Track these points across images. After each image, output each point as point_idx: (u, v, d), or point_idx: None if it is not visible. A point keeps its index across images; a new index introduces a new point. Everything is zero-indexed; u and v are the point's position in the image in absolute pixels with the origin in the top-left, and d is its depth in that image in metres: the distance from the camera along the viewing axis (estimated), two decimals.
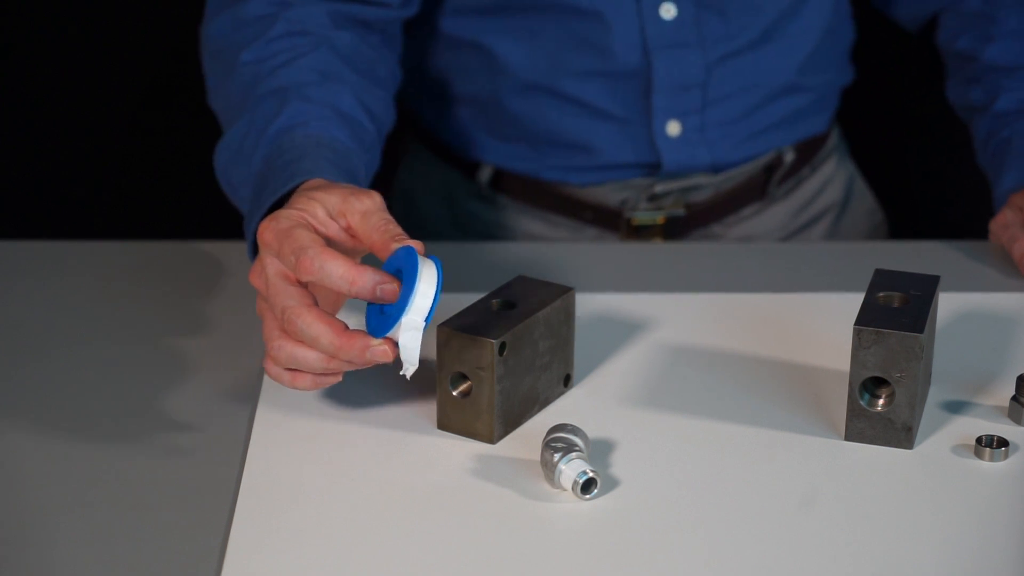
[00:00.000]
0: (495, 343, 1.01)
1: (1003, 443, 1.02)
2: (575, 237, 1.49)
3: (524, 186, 1.48)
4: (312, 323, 0.98)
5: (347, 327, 0.98)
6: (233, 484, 0.99)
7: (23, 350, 1.17)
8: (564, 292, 1.07)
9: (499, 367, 1.02)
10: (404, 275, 0.98)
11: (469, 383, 1.03)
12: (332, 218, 1.03)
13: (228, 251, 1.33)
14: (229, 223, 1.95)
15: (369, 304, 1.00)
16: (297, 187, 1.08)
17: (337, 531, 0.95)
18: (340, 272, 0.98)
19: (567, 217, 1.48)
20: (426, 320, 0.98)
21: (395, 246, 0.99)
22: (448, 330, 1.02)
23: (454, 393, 1.04)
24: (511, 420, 1.05)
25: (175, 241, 1.35)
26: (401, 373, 0.99)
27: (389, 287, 0.98)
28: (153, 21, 1.89)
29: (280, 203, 1.09)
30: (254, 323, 1.19)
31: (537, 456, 1.01)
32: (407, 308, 0.97)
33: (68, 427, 1.06)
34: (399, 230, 1.01)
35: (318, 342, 0.98)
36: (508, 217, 1.50)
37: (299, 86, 1.19)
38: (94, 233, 1.85)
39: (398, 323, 0.97)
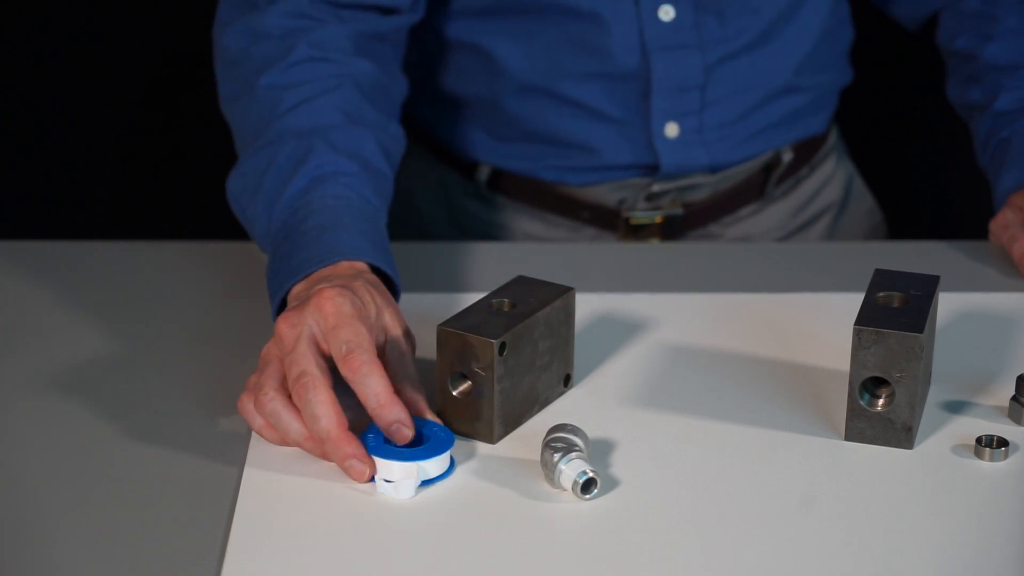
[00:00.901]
0: (495, 343, 1.01)
1: (1003, 443, 1.02)
2: (573, 237, 1.49)
3: (522, 186, 1.48)
4: (322, 403, 0.98)
5: (347, 426, 0.99)
6: (233, 484, 0.99)
7: (23, 350, 1.17)
8: (564, 292, 1.07)
9: (499, 367, 1.02)
10: (430, 433, 1.01)
11: (469, 383, 1.03)
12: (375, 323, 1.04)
13: (228, 251, 1.33)
14: (229, 223, 1.95)
15: (373, 429, 1.01)
16: (337, 263, 1.10)
17: (337, 531, 0.95)
18: (377, 391, 0.99)
19: (565, 217, 1.48)
20: (422, 484, 0.99)
21: (380, 413, 0.99)
22: (448, 330, 1.02)
23: (454, 393, 1.04)
24: (511, 420, 1.05)
25: (175, 241, 1.35)
26: (380, 491, 0.99)
27: (403, 433, 0.99)
28: (153, 21, 1.89)
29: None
30: (254, 323, 1.19)
31: (537, 456, 1.01)
32: (419, 461, 0.98)
33: (68, 427, 1.06)
34: (387, 400, 1.00)
35: (315, 422, 0.98)
36: (506, 217, 1.50)
37: (324, 130, 1.19)
38: (94, 233, 1.85)
39: (401, 464, 0.98)
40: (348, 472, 0.98)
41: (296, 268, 1.10)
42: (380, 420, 0.99)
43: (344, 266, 1.09)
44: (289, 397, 1.00)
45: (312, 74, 1.23)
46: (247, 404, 1.02)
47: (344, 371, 0.99)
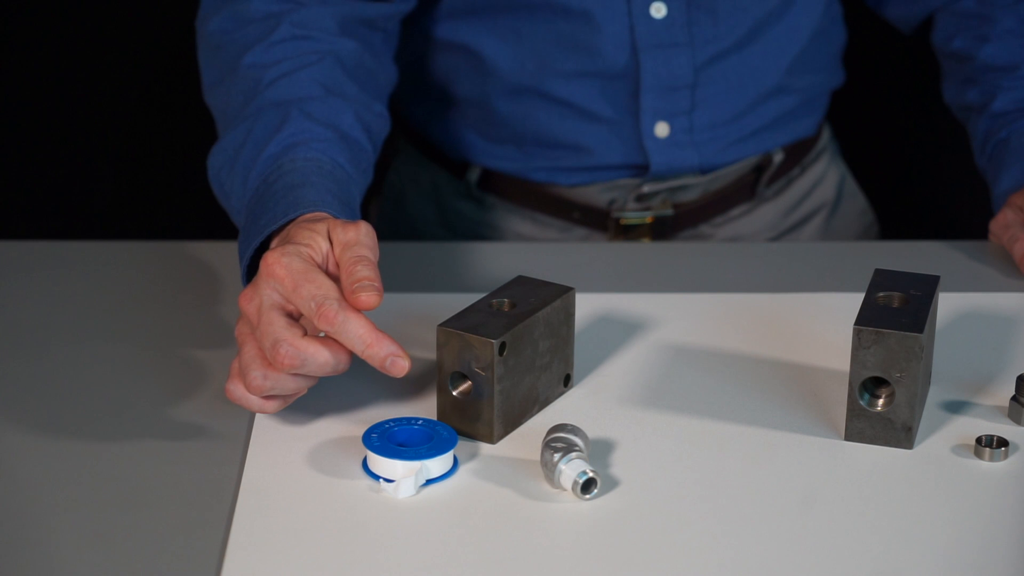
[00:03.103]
0: (495, 343, 1.01)
1: (1003, 443, 1.02)
2: (563, 237, 1.49)
3: (512, 186, 1.48)
4: (308, 347, 0.98)
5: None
6: (233, 484, 0.99)
7: (23, 350, 1.17)
8: (564, 292, 1.07)
9: (499, 367, 1.02)
10: (433, 432, 1.01)
11: (469, 383, 1.03)
12: (331, 250, 1.03)
13: (228, 251, 1.33)
14: (229, 223, 1.95)
15: (377, 429, 1.01)
16: (297, 217, 1.08)
17: (337, 531, 0.95)
18: (360, 332, 0.98)
19: (555, 217, 1.48)
20: (426, 483, 0.99)
21: (360, 297, 0.99)
22: (448, 330, 1.02)
23: (454, 393, 1.04)
24: (511, 420, 1.05)
25: (175, 241, 1.35)
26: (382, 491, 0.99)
27: (401, 363, 0.98)
28: (154, 21, 1.89)
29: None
30: None
31: (537, 456, 1.01)
32: (422, 460, 0.98)
33: (68, 427, 1.06)
34: (365, 273, 1.00)
35: (318, 357, 0.98)
36: (497, 217, 1.50)
37: (301, 100, 1.19)
38: (94, 233, 1.85)
39: (404, 463, 0.98)
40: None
41: (261, 228, 1.09)
42: (373, 360, 0.98)
43: (306, 218, 1.07)
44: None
45: (294, 51, 1.23)
46: (237, 389, 1.01)
47: (321, 326, 0.98)
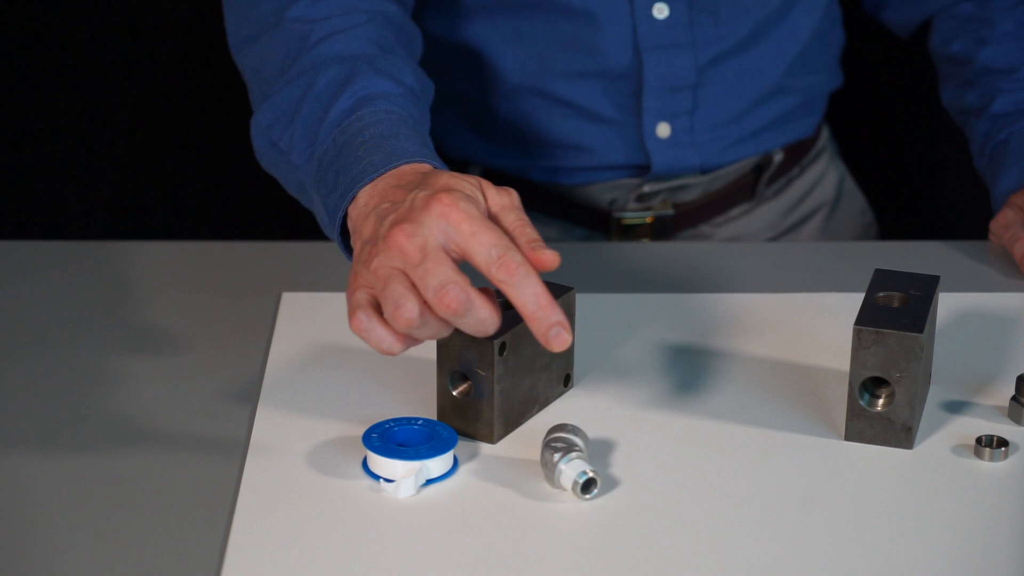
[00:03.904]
0: (495, 343, 1.01)
1: (1003, 443, 1.02)
2: (564, 237, 1.49)
3: (512, 186, 1.48)
4: (476, 296, 0.94)
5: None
6: (233, 484, 0.99)
7: (22, 350, 1.17)
8: (564, 292, 1.07)
9: (499, 367, 1.02)
10: (433, 432, 1.01)
11: (469, 383, 1.03)
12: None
13: (228, 251, 1.33)
14: (229, 223, 1.95)
15: (377, 429, 1.01)
16: (399, 166, 1.04)
17: (337, 531, 0.95)
18: (537, 290, 0.94)
19: (556, 217, 1.48)
20: (426, 483, 0.99)
21: (544, 255, 0.96)
22: None
23: (454, 393, 1.04)
24: (511, 420, 1.05)
25: (175, 241, 1.35)
26: (382, 491, 0.99)
27: (565, 336, 0.95)
28: (156, 21, 1.89)
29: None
30: (255, 323, 1.19)
31: (537, 456, 1.01)
32: (423, 459, 0.98)
33: (68, 427, 1.06)
34: (535, 235, 0.98)
35: (481, 311, 0.94)
36: None
37: (367, 58, 1.15)
38: (94, 233, 1.85)
39: (404, 463, 0.98)
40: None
41: (360, 174, 1.04)
42: (540, 323, 0.95)
43: (407, 168, 1.04)
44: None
45: (339, 8, 1.20)
46: (371, 322, 0.96)
47: (498, 275, 0.95)
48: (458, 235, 0.96)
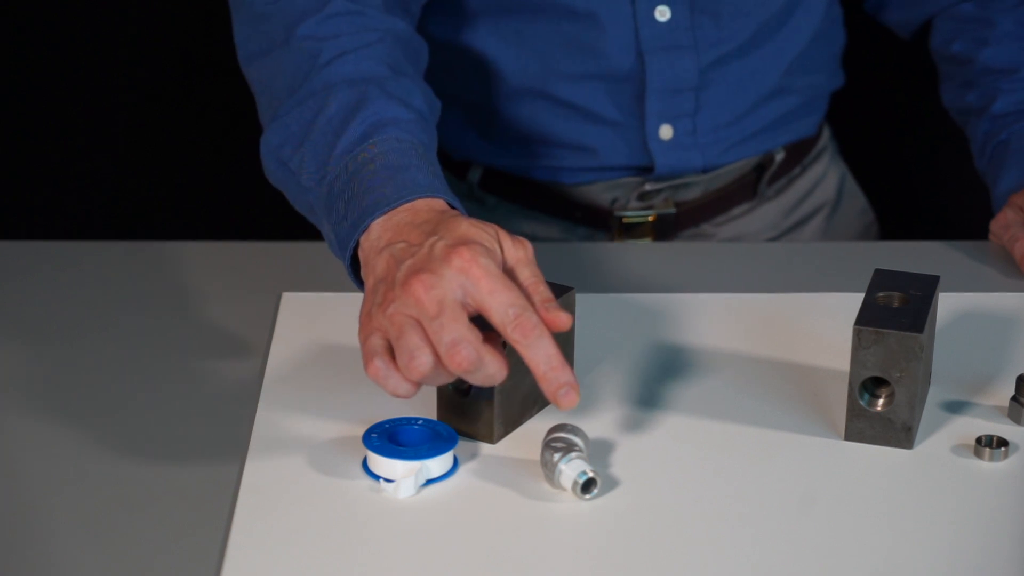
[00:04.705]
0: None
1: (1003, 443, 1.02)
2: (566, 236, 1.49)
3: (514, 186, 1.48)
4: (486, 354, 0.96)
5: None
6: (233, 484, 0.99)
7: (23, 350, 1.17)
8: (564, 292, 1.07)
9: None
10: (432, 432, 1.01)
11: (469, 383, 1.03)
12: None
13: (228, 251, 1.33)
14: (229, 223, 1.95)
15: (377, 429, 1.01)
16: (412, 200, 1.05)
17: (337, 531, 0.95)
18: (551, 352, 0.96)
19: (558, 217, 1.48)
20: (426, 483, 0.99)
21: (559, 317, 0.98)
22: None
23: (454, 393, 1.04)
24: (511, 420, 1.05)
25: (175, 241, 1.35)
26: (382, 491, 0.99)
27: (573, 396, 0.97)
28: (154, 21, 1.89)
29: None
30: (254, 323, 1.19)
31: (537, 456, 1.01)
32: (423, 459, 0.98)
33: (68, 427, 1.06)
34: (549, 294, 0.99)
35: (489, 367, 0.96)
36: (498, 217, 1.50)
37: (377, 79, 1.16)
38: (94, 233, 1.85)
39: (404, 463, 0.98)
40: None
41: (372, 206, 1.05)
42: (550, 384, 0.96)
43: (422, 204, 1.05)
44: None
45: (350, 26, 1.20)
46: (387, 370, 0.97)
47: (514, 335, 0.96)
48: (477, 292, 0.97)
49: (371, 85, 1.15)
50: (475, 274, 0.97)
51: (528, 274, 1.01)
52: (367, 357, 0.98)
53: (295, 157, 1.14)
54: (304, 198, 1.14)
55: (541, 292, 1.00)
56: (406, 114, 1.13)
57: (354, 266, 1.07)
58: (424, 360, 0.96)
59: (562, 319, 0.99)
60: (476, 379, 0.97)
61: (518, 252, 1.01)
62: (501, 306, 0.97)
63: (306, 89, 1.16)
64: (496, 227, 1.02)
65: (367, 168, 1.08)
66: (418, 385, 0.98)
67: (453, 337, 0.95)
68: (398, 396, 0.98)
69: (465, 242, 0.99)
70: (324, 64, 1.17)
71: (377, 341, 0.98)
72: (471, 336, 0.96)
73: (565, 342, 1.08)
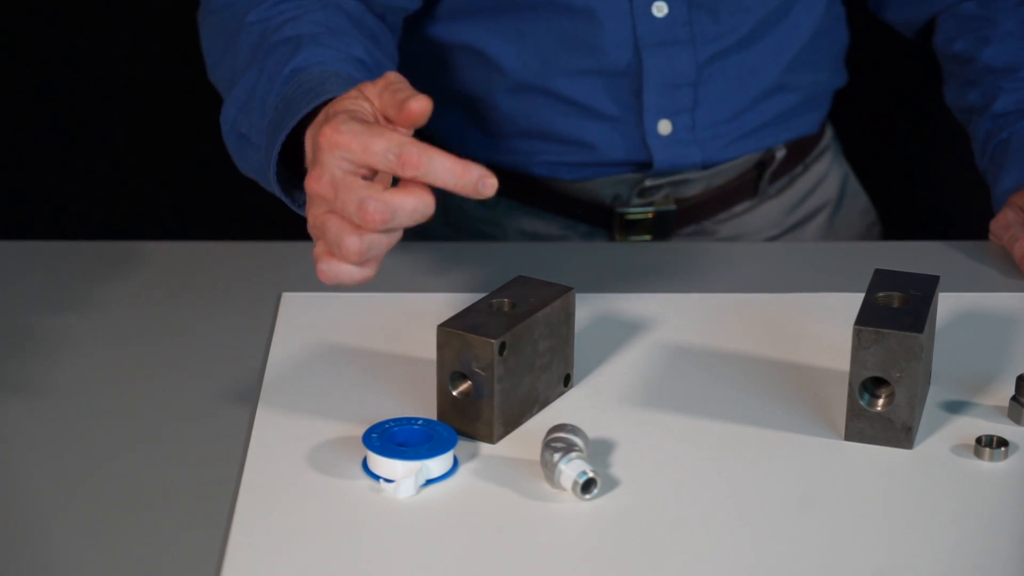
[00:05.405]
0: (495, 343, 1.01)
1: (1003, 443, 1.02)
2: (567, 233, 1.49)
3: (515, 183, 1.48)
4: (394, 198, 0.95)
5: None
6: (233, 484, 0.99)
7: (22, 350, 1.17)
8: (564, 292, 1.07)
9: (499, 367, 1.02)
10: (432, 432, 1.01)
11: (469, 383, 1.03)
12: (375, 108, 1.01)
13: (228, 251, 1.33)
14: (229, 223, 1.95)
15: (377, 429, 1.01)
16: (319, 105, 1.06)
17: (337, 531, 0.95)
18: (448, 165, 0.95)
19: (558, 214, 1.49)
20: (426, 483, 0.99)
21: (411, 105, 0.98)
22: (448, 330, 1.02)
23: (454, 393, 1.04)
24: (511, 420, 1.05)
25: (175, 241, 1.35)
26: (382, 491, 0.99)
27: (491, 182, 0.96)
28: (154, 20, 1.89)
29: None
30: (254, 323, 1.19)
31: (537, 456, 1.01)
32: (423, 459, 0.98)
33: (68, 427, 1.06)
34: (400, 86, 0.99)
35: (405, 205, 0.95)
36: (499, 214, 1.50)
37: (312, 36, 1.17)
38: (94, 233, 1.85)
39: (404, 463, 0.98)
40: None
41: (278, 129, 1.08)
42: (465, 188, 0.96)
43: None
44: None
45: (297, 6, 1.22)
46: (331, 266, 0.98)
47: (406, 173, 0.96)
48: (354, 156, 0.97)
49: (303, 39, 1.17)
50: (343, 142, 0.97)
51: (387, 92, 1.00)
52: (317, 270, 0.99)
53: (246, 121, 1.16)
54: (259, 157, 1.15)
55: (396, 98, 0.99)
56: (337, 55, 1.15)
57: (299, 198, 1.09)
58: (349, 240, 0.96)
59: (415, 105, 0.97)
60: (406, 220, 0.96)
61: (379, 83, 1.01)
62: (380, 156, 0.96)
63: (252, 61, 1.18)
64: (360, 85, 1.03)
65: (289, 102, 1.10)
66: (368, 263, 0.98)
67: (356, 201, 0.95)
68: (356, 282, 0.98)
69: (328, 119, 0.99)
70: (269, 35, 1.19)
71: (317, 250, 0.99)
72: (370, 191, 0.95)
73: (565, 342, 1.09)
